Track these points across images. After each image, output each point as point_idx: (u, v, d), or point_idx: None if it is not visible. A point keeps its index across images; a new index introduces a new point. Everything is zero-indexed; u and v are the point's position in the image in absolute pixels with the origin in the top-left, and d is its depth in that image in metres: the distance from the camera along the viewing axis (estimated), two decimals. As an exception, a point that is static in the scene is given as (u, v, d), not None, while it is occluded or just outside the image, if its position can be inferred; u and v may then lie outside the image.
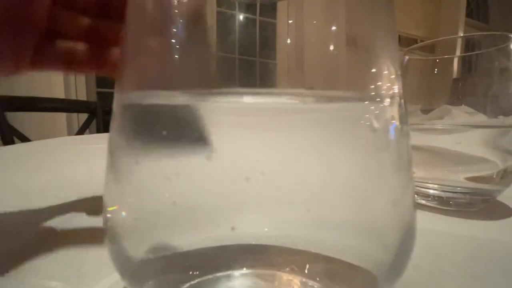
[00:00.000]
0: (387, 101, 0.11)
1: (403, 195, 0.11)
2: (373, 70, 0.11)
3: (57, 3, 0.19)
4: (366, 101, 0.11)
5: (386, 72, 0.11)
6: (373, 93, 0.11)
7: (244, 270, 0.11)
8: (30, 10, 0.18)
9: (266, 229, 0.11)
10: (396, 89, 0.11)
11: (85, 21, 0.20)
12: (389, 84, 0.11)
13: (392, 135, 0.11)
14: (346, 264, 0.11)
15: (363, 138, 0.11)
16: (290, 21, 0.11)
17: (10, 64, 0.18)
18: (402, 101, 0.11)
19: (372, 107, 0.11)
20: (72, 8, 0.19)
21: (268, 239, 0.11)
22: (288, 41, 0.11)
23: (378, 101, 0.11)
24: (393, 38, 0.11)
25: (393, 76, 0.11)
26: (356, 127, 0.11)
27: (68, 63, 0.20)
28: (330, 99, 0.11)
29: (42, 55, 0.19)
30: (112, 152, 0.12)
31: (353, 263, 0.11)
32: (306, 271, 0.11)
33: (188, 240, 0.11)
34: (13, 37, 0.18)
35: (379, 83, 0.11)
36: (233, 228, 0.10)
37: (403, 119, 0.11)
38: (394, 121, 0.11)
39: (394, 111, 0.11)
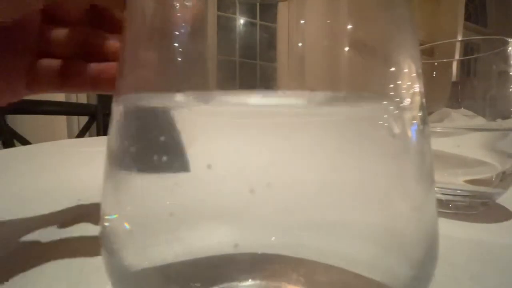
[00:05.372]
0: (407, 101, 0.10)
1: (426, 203, 0.10)
2: (385, 70, 0.10)
3: (46, 21, 0.18)
4: (383, 102, 0.10)
5: (401, 71, 0.10)
6: (392, 93, 0.10)
7: (250, 282, 0.11)
8: (20, 31, 0.17)
9: (273, 238, 0.10)
10: (416, 88, 0.10)
11: (76, 37, 0.19)
12: (408, 83, 0.10)
13: (412, 138, 0.10)
14: (361, 277, 0.10)
15: (382, 142, 0.10)
16: (291, 23, 0.10)
17: (7, 92, 0.18)
18: (424, 100, 0.11)
19: (390, 109, 0.10)
20: (64, 24, 0.18)
21: (275, 248, 0.10)
22: (292, 42, 0.10)
23: (396, 101, 0.10)
24: (410, 35, 0.10)
25: (412, 75, 0.10)
26: (373, 131, 0.10)
27: (63, 82, 0.19)
28: (342, 101, 0.10)
29: (36, 77, 0.18)
30: (109, 159, 0.11)
31: (368, 276, 0.10)
32: (316, 284, 0.11)
33: (188, 249, 0.10)
34: (5, 63, 0.17)
35: (393, 84, 0.10)
36: (236, 245, 0.10)
37: (424, 120, 0.10)
38: (414, 123, 0.10)
39: (414, 112, 0.10)
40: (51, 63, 0.18)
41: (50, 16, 0.18)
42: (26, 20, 0.17)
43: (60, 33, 0.18)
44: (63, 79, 0.19)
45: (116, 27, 0.19)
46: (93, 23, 0.19)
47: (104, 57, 0.19)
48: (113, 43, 0.19)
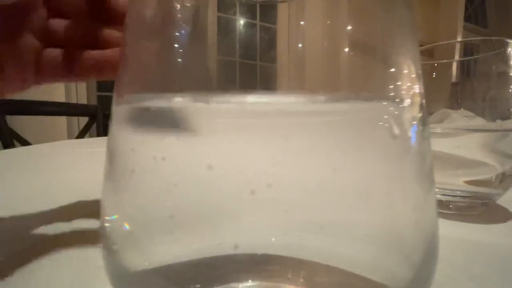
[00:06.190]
0: (407, 102, 0.10)
1: (426, 204, 0.10)
2: (385, 71, 0.10)
3: (51, 14, 0.19)
4: (383, 103, 0.10)
5: (401, 72, 0.10)
6: (391, 94, 0.10)
7: (250, 283, 0.11)
8: (27, 22, 0.18)
9: (273, 239, 0.10)
10: (416, 89, 0.10)
11: (79, 27, 0.20)
12: (408, 84, 0.10)
13: (413, 139, 0.10)
14: (361, 278, 0.10)
15: (382, 143, 0.10)
16: (291, 24, 0.10)
17: (17, 81, 0.19)
18: (424, 101, 0.10)
19: (390, 109, 0.10)
20: (65, 16, 0.20)
21: (275, 249, 0.10)
22: (289, 43, 0.10)
23: (396, 102, 0.10)
24: (410, 35, 0.10)
25: (412, 76, 0.10)
26: (374, 132, 0.10)
27: (69, 70, 0.20)
28: (342, 102, 0.10)
29: (43, 66, 0.19)
30: (109, 159, 0.11)
31: (369, 278, 0.10)
32: (316, 284, 0.11)
33: (188, 250, 0.10)
34: (15, 53, 0.18)
35: (393, 85, 0.10)
36: (236, 246, 0.10)
37: (424, 121, 0.10)
38: (414, 124, 0.10)
39: (414, 113, 0.10)
40: (56, 52, 0.20)
41: (53, 9, 0.19)
42: (26, 2, 0.18)
43: (62, 24, 0.20)
44: (68, 67, 0.20)
45: (114, 19, 0.20)
46: (93, 15, 0.20)
47: (103, 47, 0.20)
48: (110, 33, 0.20)
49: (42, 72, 0.20)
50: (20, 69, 0.19)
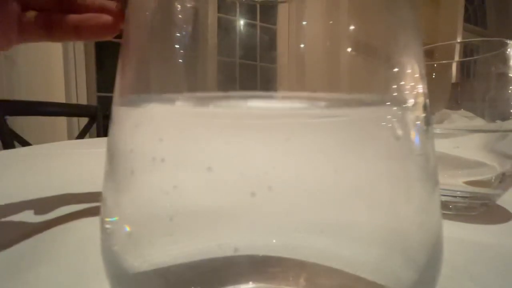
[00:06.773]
0: (410, 102, 0.10)
1: (430, 206, 0.10)
2: (388, 71, 0.10)
3: None
4: (386, 103, 0.10)
5: (404, 72, 0.10)
6: (394, 94, 0.10)
7: (251, 285, 0.10)
8: None
9: (274, 241, 0.10)
10: (420, 89, 0.10)
11: None
12: (411, 84, 0.10)
13: (416, 139, 0.10)
14: (364, 280, 0.10)
15: (385, 144, 0.10)
16: (292, 24, 0.10)
17: (2, 40, 0.21)
18: (427, 101, 0.10)
19: (393, 110, 0.10)
20: None
21: (276, 251, 0.10)
22: (289, 44, 0.10)
23: (399, 102, 0.10)
24: (413, 35, 0.10)
25: (416, 76, 0.10)
26: (376, 132, 0.10)
27: (48, 31, 0.22)
28: (344, 103, 0.10)
29: (25, 26, 0.22)
30: (109, 160, 0.11)
31: (372, 280, 0.10)
32: (318, 287, 0.11)
33: (188, 252, 0.10)
34: (1, 17, 0.20)
35: (396, 85, 0.10)
36: (236, 248, 0.10)
37: (428, 121, 0.10)
38: (418, 124, 0.10)
39: (418, 113, 0.10)
40: (32, 14, 0.22)
41: None
42: None
43: None
44: (47, 29, 0.22)
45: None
46: None
47: (79, 12, 0.23)
48: (84, 1, 0.23)
49: (23, 32, 0.22)
50: (4, 31, 0.21)
